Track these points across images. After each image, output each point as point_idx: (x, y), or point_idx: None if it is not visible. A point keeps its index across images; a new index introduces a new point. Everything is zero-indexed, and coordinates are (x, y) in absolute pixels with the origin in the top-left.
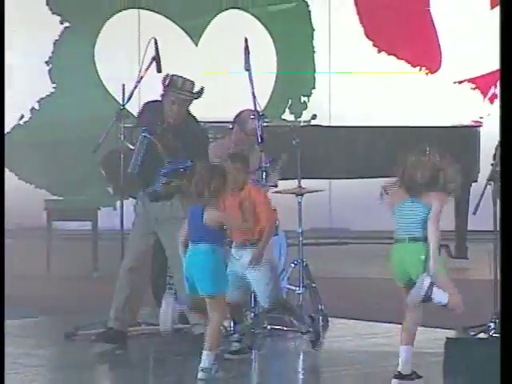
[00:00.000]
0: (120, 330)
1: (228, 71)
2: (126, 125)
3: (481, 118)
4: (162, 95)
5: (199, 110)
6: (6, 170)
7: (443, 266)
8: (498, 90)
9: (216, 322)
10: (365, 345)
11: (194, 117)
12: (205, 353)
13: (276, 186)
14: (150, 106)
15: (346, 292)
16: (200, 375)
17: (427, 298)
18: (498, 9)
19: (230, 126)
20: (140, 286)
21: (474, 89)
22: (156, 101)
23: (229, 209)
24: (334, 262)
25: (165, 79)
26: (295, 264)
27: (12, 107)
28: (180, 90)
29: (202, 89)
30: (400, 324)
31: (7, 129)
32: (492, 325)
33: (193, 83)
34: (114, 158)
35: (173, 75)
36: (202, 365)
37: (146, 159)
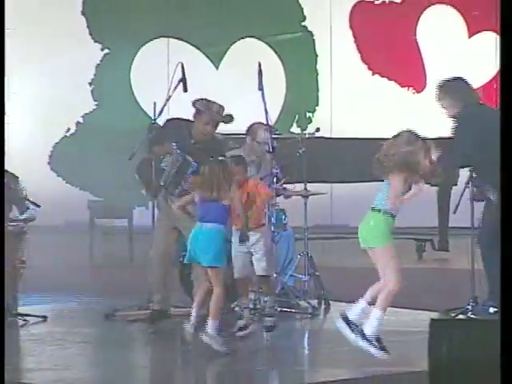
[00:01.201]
0: (164, 311)
1: (244, 90)
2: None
3: None
4: (196, 115)
5: (221, 124)
6: (54, 175)
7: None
8: None
9: (217, 293)
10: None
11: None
12: (209, 321)
13: (285, 188)
14: (173, 123)
15: (344, 279)
16: (204, 339)
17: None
18: (475, 37)
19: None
20: (166, 273)
21: None
22: (176, 118)
23: (235, 198)
24: (335, 253)
25: (200, 103)
26: (301, 255)
27: (60, 121)
28: (215, 113)
29: (231, 116)
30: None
31: (56, 139)
32: (469, 307)
33: (223, 108)
34: (146, 165)
35: (208, 100)
36: (206, 330)
37: (176, 170)
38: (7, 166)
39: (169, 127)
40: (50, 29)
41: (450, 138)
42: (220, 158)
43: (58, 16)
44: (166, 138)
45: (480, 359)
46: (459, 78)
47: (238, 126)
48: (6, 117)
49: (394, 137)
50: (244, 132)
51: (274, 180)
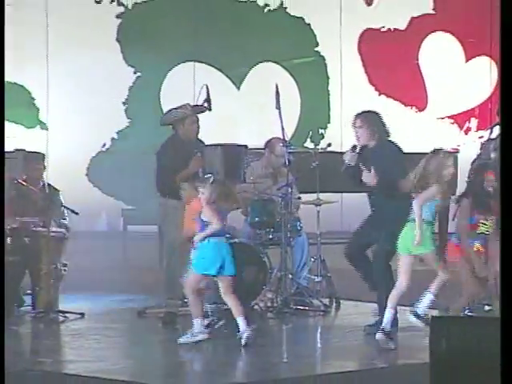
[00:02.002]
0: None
1: (262, 109)
2: None
3: (458, 145)
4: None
5: (242, 138)
6: (91, 185)
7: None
8: (472, 124)
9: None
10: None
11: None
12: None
13: (299, 198)
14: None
15: (354, 280)
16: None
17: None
18: (471, 61)
19: (263, 151)
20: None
21: (453, 123)
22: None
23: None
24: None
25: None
26: (314, 259)
27: (97, 137)
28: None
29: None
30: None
31: (93, 153)
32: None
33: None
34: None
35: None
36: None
37: None
38: (49, 180)
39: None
40: (89, 53)
41: (449, 152)
42: None
43: (97, 42)
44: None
45: (476, 353)
46: (376, 113)
47: (257, 141)
48: (47, 133)
49: (433, 154)
50: (262, 146)
51: (289, 190)
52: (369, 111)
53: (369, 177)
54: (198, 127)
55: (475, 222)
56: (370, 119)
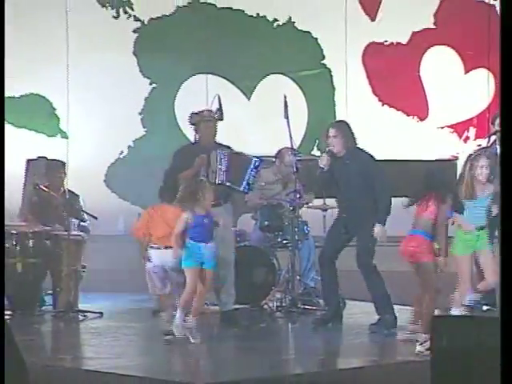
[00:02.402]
0: None
1: (272, 119)
2: None
3: (457, 153)
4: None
5: (253, 147)
6: (109, 191)
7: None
8: (470, 133)
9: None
10: (372, 320)
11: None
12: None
13: (307, 203)
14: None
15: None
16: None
17: None
18: (470, 73)
19: (273, 160)
20: None
21: (452, 132)
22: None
23: None
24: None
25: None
26: None
27: (114, 145)
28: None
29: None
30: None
31: (112, 160)
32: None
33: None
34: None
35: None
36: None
37: None
38: (69, 186)
39: None
40: (107, 66)
41: (449, 160)
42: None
43: (114, 56)
44: None
45: (475, 349)
46: (347, 123)
47: (268, 150)
48: (67, 141)
49: (472, 158)
50: (271, 154)
51: (297, 195)
52: (341, 121)
53: (343, 182)
54: (216, 131)
55: None
56: (343, 129)
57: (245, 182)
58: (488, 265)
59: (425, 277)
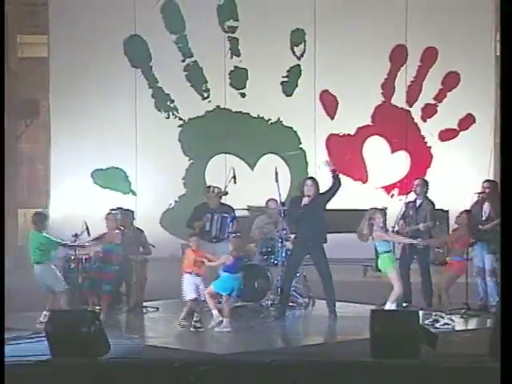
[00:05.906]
0: None
1: (268, 182)
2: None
3: (386, 206)
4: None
5: (252, 200)
6: (162, 229)
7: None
8: (395, 192)
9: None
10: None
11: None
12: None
13: (290, 237)
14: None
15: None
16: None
17: None
18: (395, 153)
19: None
20: None
21: (383, 191)
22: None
23: None
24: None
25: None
26: (299, 274)
27: (166, 200)
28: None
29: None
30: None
31: (164, 209)
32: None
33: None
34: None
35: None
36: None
37: None
38: (137, 225)
39: None
40: (163, 149)
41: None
42: None
43: (166, 143)
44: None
45: (404, 334)
46: (315, 179)
47: (261, 201)
48: (135, 197)
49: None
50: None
51: (284, 232)
52: (312, 177)
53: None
54: (219, 198)
55: None
56: (315, 182)
57: (226, 231)
58: (394, 279)
59: None
